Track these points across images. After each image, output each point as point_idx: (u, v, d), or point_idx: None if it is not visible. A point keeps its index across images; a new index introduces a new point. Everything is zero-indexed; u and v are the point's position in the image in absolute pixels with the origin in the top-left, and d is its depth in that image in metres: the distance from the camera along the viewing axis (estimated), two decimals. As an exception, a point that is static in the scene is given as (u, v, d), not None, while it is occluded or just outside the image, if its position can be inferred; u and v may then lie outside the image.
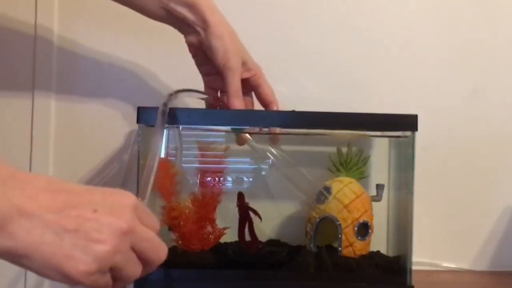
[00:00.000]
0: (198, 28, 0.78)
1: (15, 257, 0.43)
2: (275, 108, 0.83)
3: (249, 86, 0.82)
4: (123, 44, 0.99)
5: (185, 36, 0.81)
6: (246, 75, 0.81)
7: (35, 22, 0.97)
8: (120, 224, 0.45)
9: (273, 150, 0.88)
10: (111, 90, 0.98)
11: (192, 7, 0.77)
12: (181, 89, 0.79)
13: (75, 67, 0.98)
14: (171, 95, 0.75)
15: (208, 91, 0.84)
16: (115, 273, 0.46)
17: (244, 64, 0.80)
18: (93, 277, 0.44)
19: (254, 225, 0.85)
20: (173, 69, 0.97)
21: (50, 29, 0.97)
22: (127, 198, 0.47)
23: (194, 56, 0.82)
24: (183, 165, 0.87)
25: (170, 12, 0.78)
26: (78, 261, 0.43)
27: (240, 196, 0.84)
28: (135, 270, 0.47)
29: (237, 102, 0.78)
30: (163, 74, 0.98)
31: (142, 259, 0.48)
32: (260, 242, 0.89)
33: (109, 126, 0.98)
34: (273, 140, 0.86)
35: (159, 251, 0.49)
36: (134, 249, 0.46)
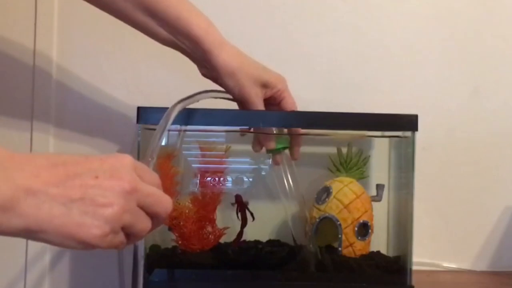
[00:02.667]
0: (208, 66, 0.77)
1: (31, 234, 0.45)
2: None
3: (273, 100, 0.81)
4: (123, 44, 0.99)
5: (197, 67, 0.80)
6: (268, 94, 0.80)
7: (35, 21, 0.97)
8: (122, 185, 0.47)
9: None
10: (111, 90, 0.98)
11: (196, 44, 0.75)
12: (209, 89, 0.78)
13: (75, 67, 0.98)
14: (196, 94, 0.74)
15: None
16: (127, 231, 0.48)
17: (264, 86, 0.78)
18: (108, 238, 0.47)
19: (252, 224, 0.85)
20: (173, 69, 0.97)
21: (50, 26, 0.97)
22: (124, 159, 0.49)
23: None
24: (183, 165, 0.87)
25: (178, 45, 0.77)
26: (90, 226, 0.46)
27: (238, 197, 0.85)
28: (145, 225, 0.50)
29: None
30: (164, 74, 0.98)
31: (149, 213, 0.50)
32: (260, 242, 0.89)
33: (109, 126, 0.98)
34: (293, 154, 0.85)
35: (164, 203, 0.51)
36: (140, 206, 0.49)
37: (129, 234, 0.49)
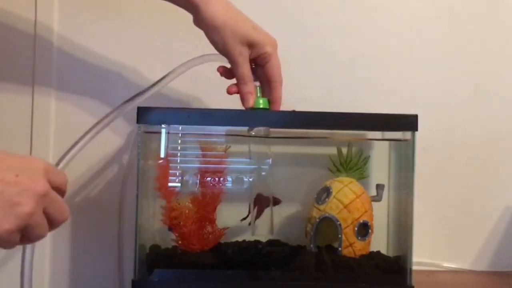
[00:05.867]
0: (195, 19, 0.77)
1: None
2: (278, 87, 0.81)
3: (259, 61, 0.80)
4: (123, 43, 0.99)
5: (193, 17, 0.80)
6: (254, 54, 0.78)
7: (35, 20, 0.97)
8: (37, 188, 0.51)
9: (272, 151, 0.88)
10: (111, 90, 0.98)
11: None
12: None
13: (75, 67, 0.98)
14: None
15: None
16: (26, 233, 0.51)
17: (251, 45, 0.77)
18: (12, 235, 0.50)
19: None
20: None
21: (50, 28, 0.97)
22: (39, 162, 0.53)
23: None
24: (183, 165, 0.87)
25: None
26: (2, 220, 0.49)
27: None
28: (44, 230, 0.53)
29: (243, 88, 0.78)
30: (164, 74, 0.98)
31: (49, 219, 0.53)
32: (260, 242, 0.89)
33: (109, 126, 0.97)
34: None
35: (64, 212, 0.55)
36: (45, 211, 0.52)
37: (26, 236, 0.52)
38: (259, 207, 0.87)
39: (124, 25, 0.98)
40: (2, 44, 0.97)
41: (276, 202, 0.88)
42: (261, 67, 0.80)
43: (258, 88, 0.81)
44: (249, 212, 0.87)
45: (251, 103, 0.79)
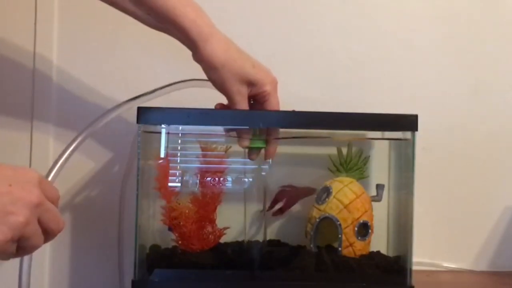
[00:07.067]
0: (195, 56, 0.76)
1: None
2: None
3: (258, 99, 0.80)
4: (123, 43, 0.99)
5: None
6: (253, 92, 0.78)
7: (35, 20, 0.97)
8: (31, 198, 0.50)
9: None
10: (111, 90, 0.98)
11: (183, 35, 0.74)
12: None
13: (75, 67, 0.98)
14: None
15: None
16: (21, 243, 0.51)
17: (250, 84, 0.77)
18: (6, 245, 0.49)
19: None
20: (173, 69, 0.97)
21: (50, 24, 0.97)
22: (32, 172, 0.53)
23: None
24: (183, 165, 0.87)
25: (169, 32, 0.77)
26: None
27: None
28: (39, 240, 0.53)
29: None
30: (164, 74, 0.98)
31: (45, 229, 0.53)
32: (260, 242, 0.89)
33: (109, 126, 0.97)
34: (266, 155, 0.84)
35: (59, 222, 0.55)
36: (39, 221, 0.52)
37: (21, 247, 0.51)
38: (287, 199, 0.89)
39: (126, 26, 0.98)
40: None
41: (310, 192, 0.89)
42: (260, 104, 0.80)
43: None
44: (269, 206, 0.89)
45: (246, 143, 0.80)
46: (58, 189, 0.56)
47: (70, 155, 0.79)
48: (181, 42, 0.77)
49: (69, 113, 0.98)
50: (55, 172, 0.77)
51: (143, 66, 0.99)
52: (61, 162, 0.77)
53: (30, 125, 0.97)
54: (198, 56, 0.75)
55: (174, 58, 0.94)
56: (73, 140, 0.80)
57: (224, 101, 0.80)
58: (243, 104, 0.77)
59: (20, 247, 0.51)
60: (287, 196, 0.90)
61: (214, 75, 0.75)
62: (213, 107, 0.80)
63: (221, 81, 0.75)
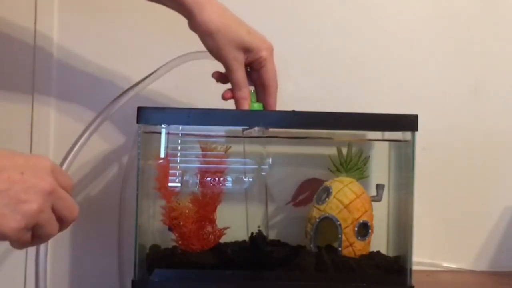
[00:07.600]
0: (190, 24, 0.76)
1: None
2: (273, 92, 0.80)
3: (255, 66, 0.80)
4: (123, 43, 0.99)
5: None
6: (250, 59, 0.78)
7: (35, 19, 0.97)
8: (43, 185, 0.50)
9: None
10: (111, 90, 0.98)
11: (177, 3, 0.75)
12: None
13: (75, 67, 0.98)
14: None
15: None
16: (36, 231, 0.51)
17: (246, 50, 0.77)
18: (21, 233, 0.49)
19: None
20: (173, 69, 0.97)
21: (50, 24, 0.97)
22: (45, 161, 0.52)
23: None
24: (183, 165, 0.87)
25: (163, 1, 0.77)
26: (9, 218, 0.48)
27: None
28: (54, 228, 0.52)
29: (238, 94, 0.78)
30: (164, 74, 0.98)
31: (59, 217, 0.53)
32: (260, 242, 0.89)
33: (109, 126, 0.98)
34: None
35: (73, 210, 0.54)
36: (53, 209, 0.52)
37: (36, 235, 0.51)
38: (311, 191, 0.89)
39: (123, 28, 0.98)
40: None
41: None
42: (257, 71, 0.80)
43: (253, 93, 0.81)
44: (292, 198, 0.90)
45: (245, 108, 0.79)
46: (71, 178, 0.56)
47: (84, 142, 0.79)
48: (177, 11, 0.77)
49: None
50: (70, 160, 0.77)
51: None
52: (75, 150, 0.78)
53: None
54: (194, 23, 0.75)
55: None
56: (87, 128, 0.80)
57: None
58: (240, 71, 0.77)
59: (35, 235, 0.51)
60: (310, 188, 0.90)
61: (210, 41, 0.75)
62: (213, 107, 0.80)
63: (217, 47, 0.75)
